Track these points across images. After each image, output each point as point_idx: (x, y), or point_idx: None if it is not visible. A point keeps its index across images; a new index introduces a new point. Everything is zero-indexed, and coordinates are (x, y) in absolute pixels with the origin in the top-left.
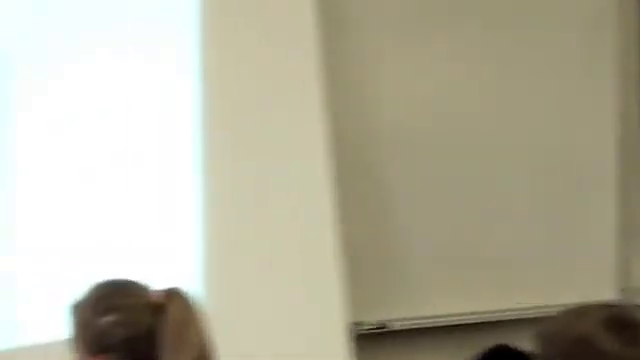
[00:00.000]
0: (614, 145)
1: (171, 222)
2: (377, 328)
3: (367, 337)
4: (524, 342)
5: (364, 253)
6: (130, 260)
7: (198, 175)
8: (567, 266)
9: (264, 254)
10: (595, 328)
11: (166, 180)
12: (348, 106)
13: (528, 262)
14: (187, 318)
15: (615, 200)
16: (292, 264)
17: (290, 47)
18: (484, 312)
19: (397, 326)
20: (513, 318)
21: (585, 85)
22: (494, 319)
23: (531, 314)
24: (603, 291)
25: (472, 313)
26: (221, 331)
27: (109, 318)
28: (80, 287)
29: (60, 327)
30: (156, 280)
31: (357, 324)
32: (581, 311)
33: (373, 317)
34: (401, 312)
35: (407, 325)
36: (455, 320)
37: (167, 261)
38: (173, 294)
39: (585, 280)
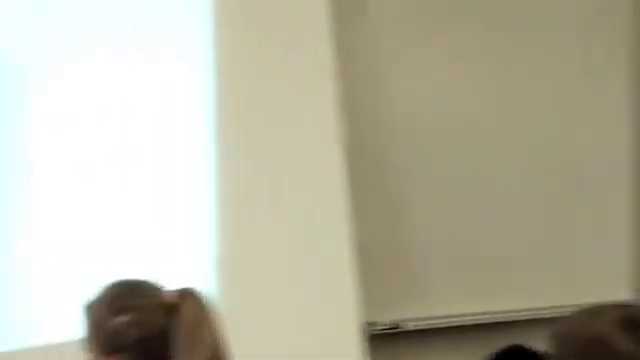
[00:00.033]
0: (627, 145)
1: (184, 222)
2: (390, 328)
3: (380, 337)
4: (538, 342)
5: (378, 253)
6: (143, 260)
7: (211, 174)
8: (582, 266)
9: (278, 254)
10: (610, 328)
11: (179, 180)
12: (362, 106)
13: (543, 262)
14: (201, 318)
15: (629, 200)
16: (306, 264)
17: (303, 46)
18: (498, 312)
19: (410, 326)
20: (527, 318)
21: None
22: (508, 319)
23: (545, 314)
24: (618, 291)
25: (486, 313)
26: (234, 331)
27: (123, 318)
28: (94, 287)
29: (74, 327)
30: (169, 280)
31: (371, 324)
32: (596, 311)
33: (387, 317)
34: (414, 312)
35: (421, 325)
36: (469, 320)
37: (181, 261)
38: (187, 294)
39: (600, 280)
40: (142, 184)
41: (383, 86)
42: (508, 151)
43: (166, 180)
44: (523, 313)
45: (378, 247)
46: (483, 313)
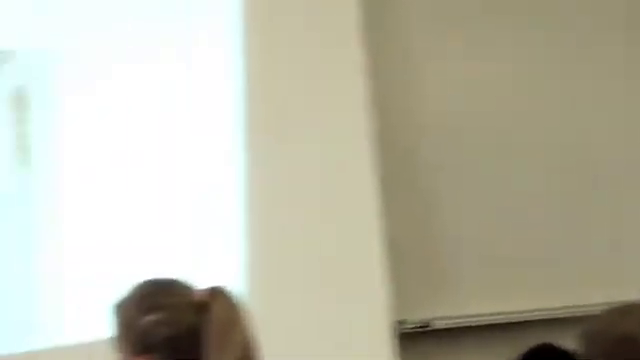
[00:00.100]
0: None
1: (215, 221)
2: (421, 327)
3: (411, 336)
4: (568, 341)
5: (408, 251)
6: (174, 261)
7: (242, 174)
8: (613, 264)
9: (308, 253)
10: (639, 327)
11: (210, 179)
12: (393, 103)
13: (573, 260)
14: (231, 317)
15: None
16: (336, 262)
17: (334, 44)
18: (528, 311)
19: (441, 325)
20: (558, 317)
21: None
22: (539, 318)
23: (576, 313)
24: None
25: (516, 312)
26: (264, 330)
27: (152, 317)
28: (124, 287)
29: (104, 326)
30: (200, 280)
31: (401, 323)
32: (625, 310)
33: (417, 316)
34: (445, 311)
35: (451, 324)
36: (499, 319)
37: (211, 260)
38: (217, 293)
39: (631, 279)
40: (172, 184)
41: (414, 83)
42: (540, 148)
43: (196, 179)
44: (554, 312)
45: (408, 245)
46: (514, 312)
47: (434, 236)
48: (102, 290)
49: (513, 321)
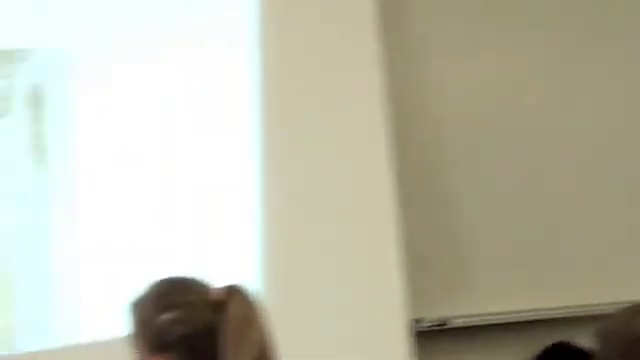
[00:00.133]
0: None
1: (231, 219)
2: (438, 325)
3: (428, 334)
4: (585, 340)
5: (425, 249)
6: (190, 257)
7: (258, 170)
8: (631, 263)
9: (324, 250)
10: None
11: (226, 176)
12: (410, 102)
13: (589, 259)
14: (248, 315)
15: None
16: (352, 260)
17: (350, 39)
18: (546, 309)
19: (458, 323)
20: (574, 315)
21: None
22: (555, 316)
23: (592, 311)
24: None
25: (534, 310)
26: (280, 328)
27: (169, 315)
28: (140, 285)
29: (120, 325)
30: (216, 278)
31: (418, 321)
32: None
33: (434, 314)
34: (462, 309)
35: (468, 322)
36: (517, 317)
37: (227, 259)
38: (234, 291)
39: None
40: (187, 181)
41: (430, 78)
42: (557, 147)
43: (213, 177)
44: (570, 310)
45: (425, 243)
46: (530, 310)
47: (451, 234)
48: (118, 288)
49: (530, 319)
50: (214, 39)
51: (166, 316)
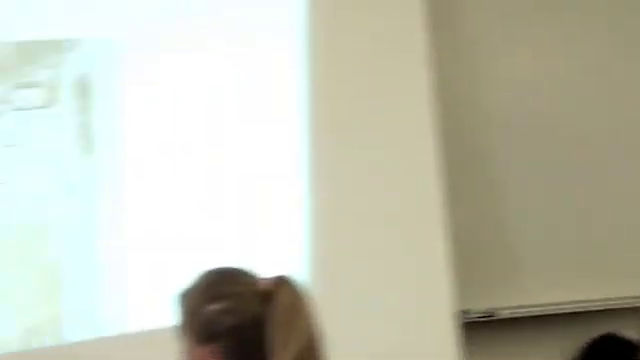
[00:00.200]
0: None
1: (280, 210)
2: (485, 316)
3: (475, 325)
4: (633, 331)
5: (472, 240)
6: (238, 248)
7: (306, 162)
8: None
9: (371, 241)
10: None
11: (274, 167)
12: (458, 91)
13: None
14: (296, 306)
15: None
16: (400, 251)
17: (398, 37)
18: (593, 300)
19: (506, 314)
20: (623, 306)
21: None
22: (604, 307)
23: None
24: None
25: (582, 301)
26: (328, 319)
27: (217, 306)
28: (188, 275)
29: (168, 315)
30: (265, 268)
31: (465, 312)
32: None
33: (481, 305)
34: (509, 300)
35: (516, 313)
36: (564, 308)
37: (275, 251)
38: (282, 282)
39: None
40: (237, 173)
41: (481, 77)
42: (605, 137)
43: (261, 169)
44: (619, 301)
45: (473, 234)
46: (578, 301)
47: (499, 225)
48: (165, 278)
49: (578, 310)
50: (261, 32)
51: (214, 306)
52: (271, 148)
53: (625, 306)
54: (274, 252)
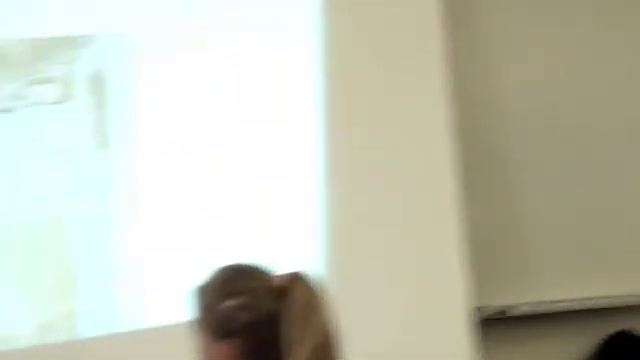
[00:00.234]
0: None
1: (295, 206)
2: (500, 313)
3: (490, 322)
4: None
5: (488, 237)
6: (254, 244)
7: (321, 158)
8: None
9: (386, 237)
10: None
11: (288, 163)
12: (474, 89)
13: None
14: (312, 302)
15: None
16: (415, 248)
17: (414, 40)
18: (609, 297)
19: (522, 311)
20: (637, 304)
21: None
22: (620, 304)
23: None
24: None
25: (597, 298)
26: (343, 315)
27: (233, 302)
28: (203, 271)
29: (184, 310)
30: (280, 264)
31: (480, 309)
32: None
33: (497, 302)
34: (525, 297)
35: (531, 310)
36: (580, 305)
37: (290, 247)
38: (297, 278)
39: None
40: (252, 169)
41: (497, 76)
42: (621, 134)
43: (275, 164)
44: (633, 298)
45: (489, 230)
46: (594, 298)
47: (515, 222)
48: (181, 274)
49: (594, 307)
50: (278, 28)
51: (230, 302)
52: (287, 145)
53: (639, 303)
54: (289, 248)
